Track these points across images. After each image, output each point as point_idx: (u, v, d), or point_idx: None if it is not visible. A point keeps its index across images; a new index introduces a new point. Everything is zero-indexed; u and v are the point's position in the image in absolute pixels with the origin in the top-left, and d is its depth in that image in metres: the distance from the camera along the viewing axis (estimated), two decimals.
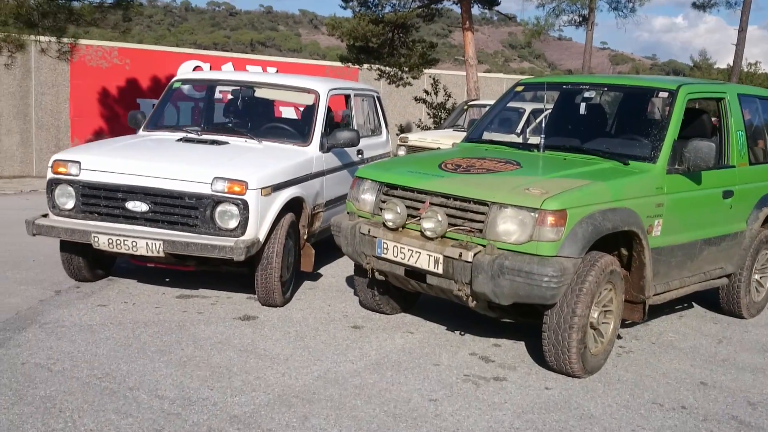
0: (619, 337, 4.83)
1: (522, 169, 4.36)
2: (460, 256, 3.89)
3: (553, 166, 4.50)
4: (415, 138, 11.92)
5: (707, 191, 4.77)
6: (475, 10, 22.95)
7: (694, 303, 5.92)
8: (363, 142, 6.46)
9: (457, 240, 4.03)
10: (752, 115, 5.63)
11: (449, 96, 17.46)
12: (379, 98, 7.15)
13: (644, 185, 4.29)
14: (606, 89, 5.08)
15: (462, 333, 4.72)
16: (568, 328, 3.86)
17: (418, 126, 18.23)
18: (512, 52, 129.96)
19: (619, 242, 4.31)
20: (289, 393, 3.59)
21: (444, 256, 3.98)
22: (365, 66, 19.32)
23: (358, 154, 6.24)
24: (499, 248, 3.85)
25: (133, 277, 5.47)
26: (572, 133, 5.31)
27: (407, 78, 19.45)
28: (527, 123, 10.66)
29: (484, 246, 3.88)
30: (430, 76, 19.32)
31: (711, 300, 5.65)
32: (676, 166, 4.48)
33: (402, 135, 12.67)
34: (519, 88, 5.50)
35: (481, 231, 3.94)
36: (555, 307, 3.90)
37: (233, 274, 5.19)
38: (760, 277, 5.71)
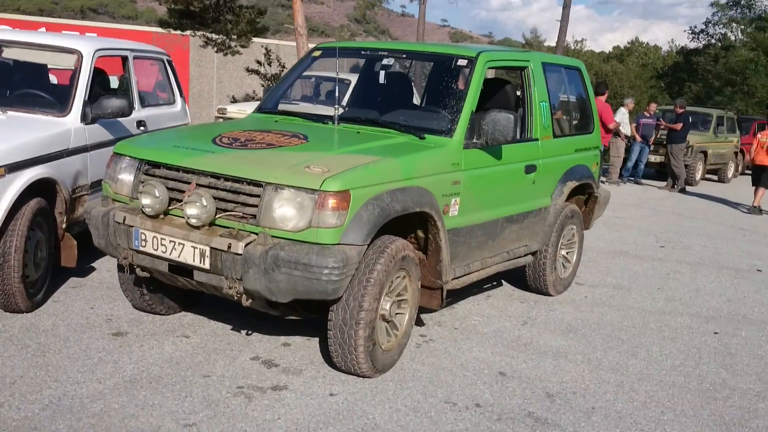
0: (421, 323, 4.49)
1: (308, 143, 3.82)
2: (229, 247, 3.30)
3: (343, 140, 4.01)
4: (234, 109, 11.11)
5: (508, 166, 4.50)
6: None
7: (503, 281, 5.76)
8: (148, 112, 5.65)
9: (228, 228, 3.42)
10: (557, 85, 5.48)
11: (284, 67, 16.64)
12: (169, 62, 6.31)
13: (439, 161, 3.91)
14: (405, 56, 4.65)
15: (249, 332, 4.14)
16: (355, 324, 3.40)
17: (252, 98, 17.28)
18: (358, 26, 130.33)
19: (414, 224, 3.91)
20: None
21: (211, 248, 3.36)
22: (188, 32, 18.03)
23: (139, 126, 5.41)
24: (274, 237, 3.29)
25: None
26: (372, 104, 4.88)
27: (235, 46, 18.39)
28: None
29: (258, 235, 3.31)
30: (262, 46, 18.37)
31: (519, 277, 5.49)
32: (475, 140, 4.15)
33: (220, 106, 11.80)
34: (316, 53, 4.94)
35: (255, 217, 3.36)
36: (340, 302, 3.42)
37: None
38: (567, 253, 5.63)
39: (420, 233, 3.96)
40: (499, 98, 4.99)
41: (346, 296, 3.40)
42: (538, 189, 4.92)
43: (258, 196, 3.35)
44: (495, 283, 5.66)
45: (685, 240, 8.43)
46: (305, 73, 12.11)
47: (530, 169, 4.76)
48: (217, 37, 17.84)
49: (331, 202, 3.24)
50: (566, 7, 25.30)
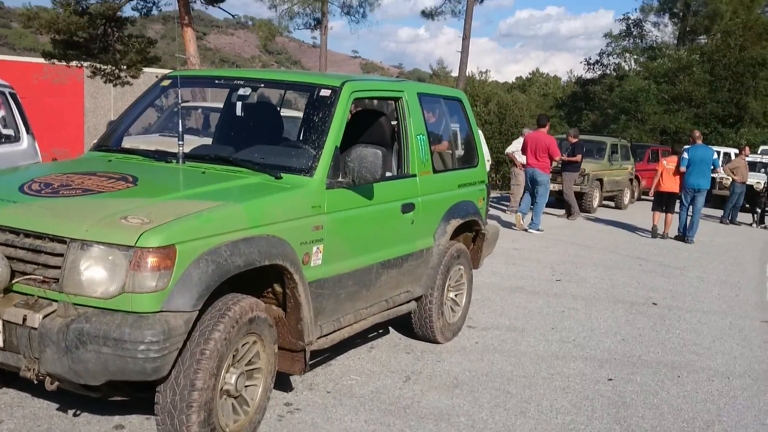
0: (289, 388, 3.94)
1: (135, 188, 3.24)
2: (24, 320, 2.67)
3: (180, 183, 3.45)
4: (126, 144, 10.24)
5: (382, 206, 4.05)
6: (216, 11, 21.33)
7: (390, 328, 5.29)
8: None
9: (27, 296, 2.79)
10: (436, 117, 5.13)
11: (180, 97, 15.65)
12: (13, 94, 5.58)
13: (296, 204, 3.40)
14: (262, 85, 4.15)
15: (76, 413, 3.46)
16: (186, 407, 2.81)
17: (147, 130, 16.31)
18: (270, 57, 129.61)
19: (270, 277, 3.38)
20: None
21: (3, 320, 2.72)
22: (74, 63, 17.01)
23: None
24: (79, 306, 2.69)
25: None
26: (229, 139, 4.34)
27: (125, 77, 17.48)
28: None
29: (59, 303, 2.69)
30: (157, 76, 17.48)
31: (408, 323, 5.03)
32: (340, 179, 3.68)
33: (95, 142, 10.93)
34: (165, 82, 4.37)
35: (58, 281, 2.74)
36: (168, 381, 2.83)
37: None
38: (455, 295, 5.23)
39: (278, 287, 3.43)
40: (374, 132, 4.56)
41: (175, 374, 2.81)
42: (419, 229, 4.49)
43: (62, 255, 2.74)
44: (381, 331, 5.18)
45: (582, 272, 8.26)
46: (193, 104, 11.45)
47: (408, 207, 4.33)
48: (105, 67, 16.91)
49: (150, 260, 2.67)
50: (466, 38, 25.83)
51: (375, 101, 5.25)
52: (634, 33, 40.51)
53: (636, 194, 18.70)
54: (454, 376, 4.44)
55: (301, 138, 4.13)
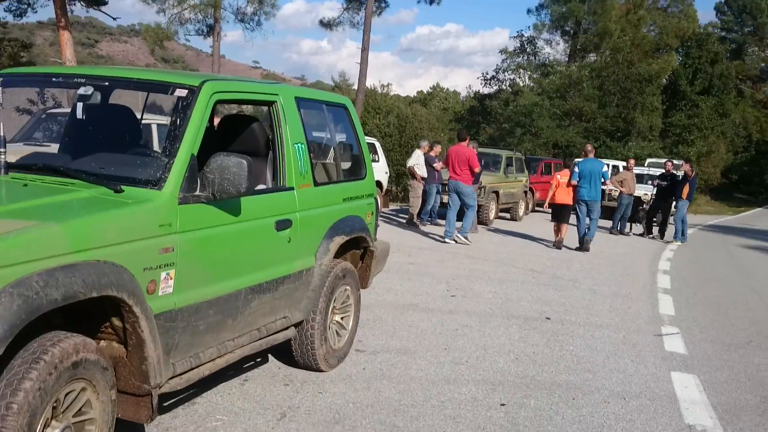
0: None
1: None
2: None
3: None
4: None
5: (250, 223, 3.59)
6: (98, 13, 20.26)
7: (270, 356, 4.81)
8: None
9: None
10: (319, 124, 4.71)
11: (58, 105, 14.52)
12: None
13: (137, 223, 2.88)
14: (107, 84, 3.59)
15: None
16: None
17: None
18: (165, 66, 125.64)
19: (108, 310, 2.84)
20: None
21: None
22: None
23: None
24: None
25: None
26: (74, 146, 3.76)
27: None
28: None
29: None
30: None
31: (289, 350, 4.56)
32: (198, 193, 3.18)
33: None
34: None
35: None
36: None
37: None
38: (342, 318, 4.81)
39: (117, 321, 2.89)
40: (245, 140, 4.11)
41: None
42: (297, 248, 4.05)
43: None
44: (258, 360, 4.69)
45: (477, 286, 8.05)
46: (56, 111, 10.48)
47: (283, 224, 3.88)
48: None
49: None
50: (365, 50, 25.71)
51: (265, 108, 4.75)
52: (527, 50, 41.84)
53: (530, 206, 19.03)
54: (336, 410, 4.00)
55: (125, 143, 3.62)
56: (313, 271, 4.27)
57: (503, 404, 4.36)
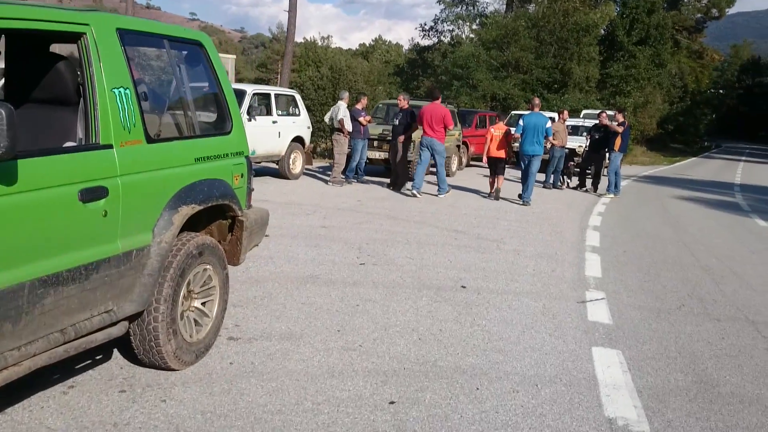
0: None
1: None
2: None
3: None
4: None
5: (32, 195, 2.69)
6: None
7: (115, 350, 3.97)
8: None
9: None
10: (157, 65, 3.79)
11: None
12: None
13: None
14: None
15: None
16: None
17: None
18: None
19: None
20: None
21: None
22: None
23: None
24: None
25: None
26: None
27: None
28: None
29: None
30: None
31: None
32: None
33: None
34: None
35: None
36: None
37: None
38: (204, 303, 3.99)
39: None
40: (49, 84, 3.17)
41: None
42: (119, 223, 3.18)
43: None
44: (99, 357, 3.85)
45: (391, 251, 7.32)
46: None
47: (93, 193, 3.00)
48: None
49: None
50: None
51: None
52: (466, 0, 40.79)
53: (465, 161, 18.38)
54: (177, 426, 3.20)
55: None
56: (149, 250, 3.41)
57: (392, 402, 3.64)
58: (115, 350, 3.98)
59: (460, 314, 5.28)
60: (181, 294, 3.70)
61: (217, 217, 4.16)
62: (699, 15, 50.56)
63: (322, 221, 8.82)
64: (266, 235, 6.73)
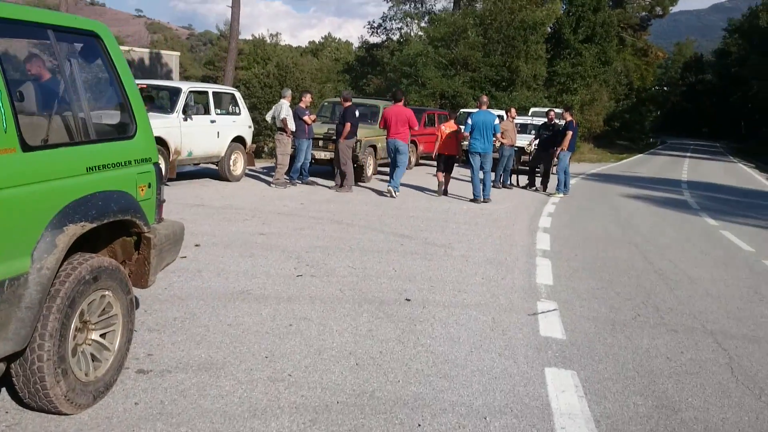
0: None
1: None
2: None
3: None
4: None
5: None
6: None
7: (4, 389, 3.40)
8: None
9: None
10: (39, 60, 3.24)
11: None
12: None
13: None
14: None
15: None
16: None
17: None
18: None
19: None
20: None
21: None
22: None
23: None
24: None
25: None
26: None
27: None
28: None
29: None
30: None
31: None
32: None
33: None
34: None
35: None
36: None
37: None
38: (103, 335, 3.45)
39: None
40: None
41: None
42: None
43: None
44: None
45: (332, 260, 6.84)
46: None
47: None
48: None
49: None
50: None
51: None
52: None
53: (414, 159, 18.01)
54: None
55: None
56: (27, 279, 2.86)
57: None
58: (4, 389, 3.41)
59: (403, 332, 4.85)
60: (72, 327, 3.16)
61: (120, 234, 3.62)
62: (643, 13, 51.45)
63: (260, 227, 8.29)
64: (183, 257, 6.22)
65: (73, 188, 3.10)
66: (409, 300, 5.66)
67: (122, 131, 3.61)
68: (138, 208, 3.54)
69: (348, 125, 12.11)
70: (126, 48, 32.35)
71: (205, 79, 48.61)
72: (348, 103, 12.47)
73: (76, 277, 3.12)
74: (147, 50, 35.38)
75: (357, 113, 12.44)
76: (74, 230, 3.06)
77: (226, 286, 5.65)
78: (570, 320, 5.46)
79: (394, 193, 12.01)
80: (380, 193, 12.46)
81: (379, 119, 13.40)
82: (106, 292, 3.38)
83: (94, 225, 3.18)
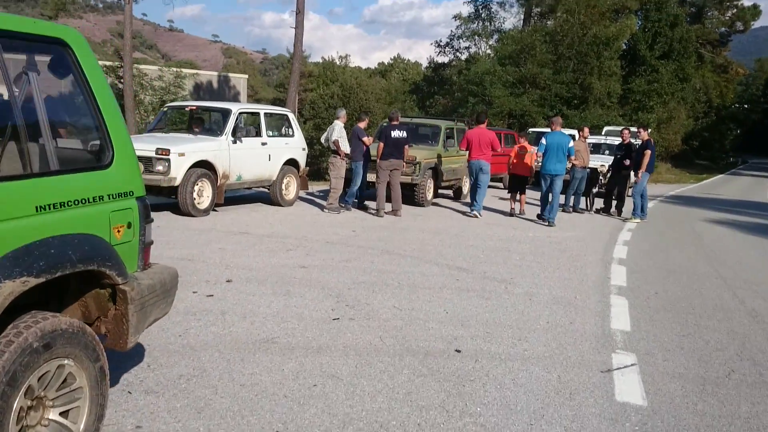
0: None
1: None
2: None
3: None
4: None
5: None
6: None
7: None
8: None
9: None
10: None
11: None
12: None
13: None
14: None
15: None
16: None
17: None
18: (122, 42, 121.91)
19: None
20: None
21: None
22: None
23: None
24: None
25: None
26: None
27: None
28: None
29: None
30: None
31: None
32: None
33: None
34: None
35: None
36: None
37: None
38: (65, 413, 2.79)
39: None
40: None
41: None
42: None
43: None
44: None
45: (377, 299, 6.07)
46: (175, 104, 8.18)
47: None
48: None
49: None
50: (299, 13, 23.59)
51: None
52: (482, 15, 39.70)
53: None
54: None
55: None
56: None
57: None
58: None
59: (448, 396, 4.02)
60: (15, 407, 2.51)
61: (93, 286, 2.97)
62: (723, 28, 48.99)
63: (303, 259, 7.62)
64: (209, 295, 5.61)
65: (12, 234, 2.46)
66: (459, 351, 4.83)
67: (94, 159, 2.98)
68: (110, 255, 2.88)
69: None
70: (193, 71, 32.79)
71: (275, 102, 49.05)
72: (395, 123, 11.86)
73: (19, 345, 2.47)
74: (215, 73, 35.81)
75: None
76: (11, 288, 2.41)
77: (249, 333, 4.96)
78: (651, 379, 4.52)
79: (478, 215, 12.19)
80: (442, 215, 11.64)
81: (461, 140, 12.88)
82: (65, 361, 2.72)
83: (42, 280, 2.53)
